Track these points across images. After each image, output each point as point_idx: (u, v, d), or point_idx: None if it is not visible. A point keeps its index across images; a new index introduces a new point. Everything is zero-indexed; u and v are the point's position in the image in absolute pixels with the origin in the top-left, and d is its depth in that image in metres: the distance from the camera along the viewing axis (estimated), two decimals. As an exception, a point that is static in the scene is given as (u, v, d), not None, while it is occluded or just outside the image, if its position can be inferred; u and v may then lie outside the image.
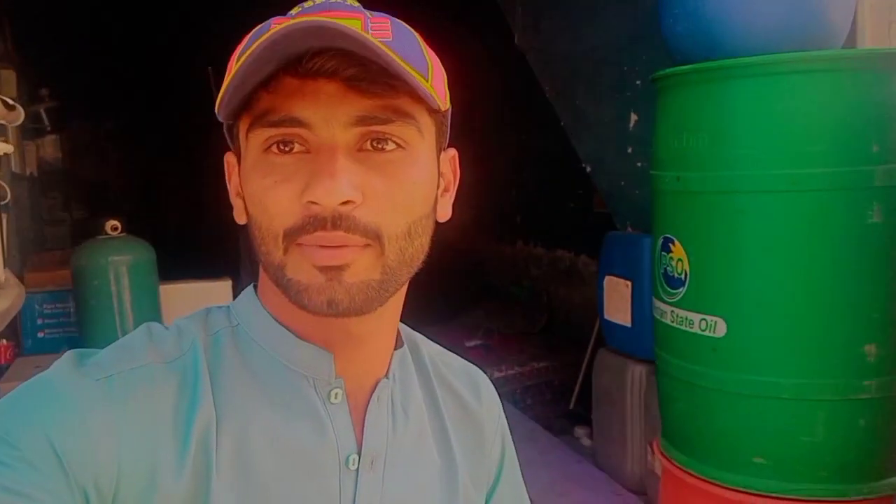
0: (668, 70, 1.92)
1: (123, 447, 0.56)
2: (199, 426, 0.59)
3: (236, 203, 0.66)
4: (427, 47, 0.63)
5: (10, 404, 0.57)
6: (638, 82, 3.21)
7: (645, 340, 2.81)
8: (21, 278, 2.78)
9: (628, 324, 2.92)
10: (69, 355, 0.62)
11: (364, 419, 0.67)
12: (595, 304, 3.94)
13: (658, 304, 2.00)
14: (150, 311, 2.87)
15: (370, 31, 0.57)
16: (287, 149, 0.59)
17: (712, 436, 1.88)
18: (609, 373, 3.07)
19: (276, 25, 0.57)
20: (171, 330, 0.66)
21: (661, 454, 2.09)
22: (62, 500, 0.53)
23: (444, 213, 0.69)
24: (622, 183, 3.36)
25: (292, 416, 0.63)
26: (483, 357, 4.87)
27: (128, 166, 7.20)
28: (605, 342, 3.19)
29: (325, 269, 0.58)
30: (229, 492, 0.59)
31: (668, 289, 1.93)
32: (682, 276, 1.86)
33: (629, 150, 3.28)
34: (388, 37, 0.58)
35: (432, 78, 0.61)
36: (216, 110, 0.60)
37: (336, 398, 0.65)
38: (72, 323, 2.99)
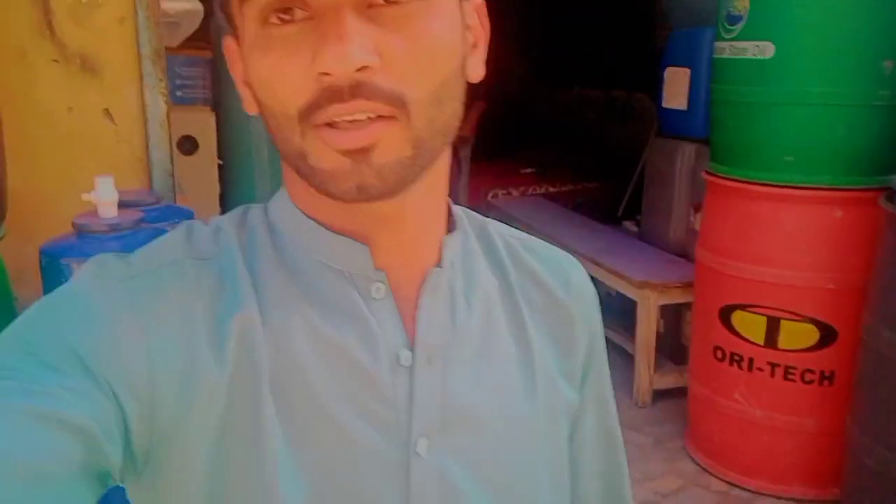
0: None
1: (153, 344, 0.54)
2: (240, 322, 0.56)
3: (244, 92, 0.59)
4: None
5: (29, 315, 0.55)
6: None
7: (698, 121, 3.28)
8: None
9: (684, 107, 3.37)
10: (93, 260, 0.59)
11: (416, 313, 0.62)
12: (646, 136, 4.36)
13: (719, 44, 2.44)
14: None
15: None
16: (287, 17, 0.52)
17: (752, 144, 2.36)
18: (662, 154, 3.55)
19: None
20: (210, 227, 0.62)
21: (708, 174, 2.59)
22: (87, 396, 0.50)
23: (477, 72, 0.61)
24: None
25: (333, 315, 0.59)
26: (536, 178, 5.35)
27: None
28: (660, 131, 3.65)
29: (350, 153, 0.52)
30: (276, 391, 0.57)
31: (729, 27, 2.37)
32: (742, 13, 2.30)
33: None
34: None
35: None
36: None
37: (378, 293, 0.60)
38: (205, 86, 3.50)
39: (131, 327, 0.53)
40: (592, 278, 3.36)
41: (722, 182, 2.49)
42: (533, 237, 0.76)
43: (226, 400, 0.55)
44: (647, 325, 3.11)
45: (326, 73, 0.49)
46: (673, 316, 3.32)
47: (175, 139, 2.82)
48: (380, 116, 0.51)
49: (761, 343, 2.42)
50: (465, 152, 4.59)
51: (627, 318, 3.29)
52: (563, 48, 6.42)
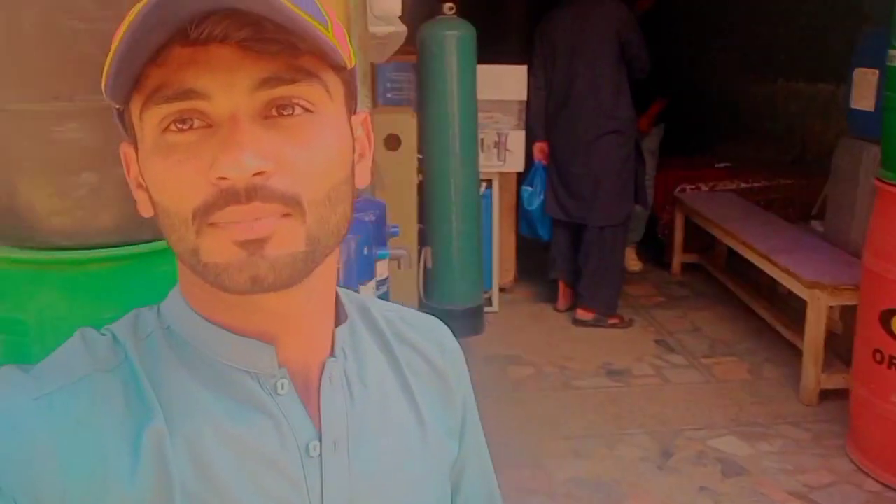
0: None
1: (67, 465, 0.55)
2: (150, 435, 0.57)
3: (139, 196, 0.62)
4: (322, 2, 0.58)
5: None
6: None
7: (885, 122, 3.23)
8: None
9: (871, 109, 3.32)
10: (4, 373, 0.60)
11: (319, 403, 0.65)
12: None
13: (891, 52, 2.48)
14: (470, 81, 3.72)
15: None
16: (186, 126, 0.55)
17: (920, 152, 2.39)
18: (848, 154, 3.52)
19: None
20: (105, 336, 0.63)
21: (879, 181, 2.62)
22: None
23: (363, 179, 0.66)
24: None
25: (242, 415, 0.61)
26: (729, 173, 5.31)
27: None
28: (847, 132, 3.61)
29: (245, 244, 0.55)
30: (192, 498, 0.57)
31: (900, 36, 2.40)
32: (912, 23, 2.34)
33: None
34: None
35: (333, 32, 0.57)
36: (104, 91, 0.56)
37: (283, 389, 0.63)
38: (410, 88, 3.97)
39: (46, 451, 0.55)
40: (766, 275, 3.41)
41: (890, 189, 2.52)
42: (407, 309, 0.81)
43: None
44: (817, 324, 3.15)
45: (224, 178, 0.53)
46: (851, 318, 3.31)
47: (382, 137, 3.28)
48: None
49: (920, 349, 2.44)
50: (650, 145, 4.67)
51: (802, 315, 3.33)
52: (767, 38, 6.27)
